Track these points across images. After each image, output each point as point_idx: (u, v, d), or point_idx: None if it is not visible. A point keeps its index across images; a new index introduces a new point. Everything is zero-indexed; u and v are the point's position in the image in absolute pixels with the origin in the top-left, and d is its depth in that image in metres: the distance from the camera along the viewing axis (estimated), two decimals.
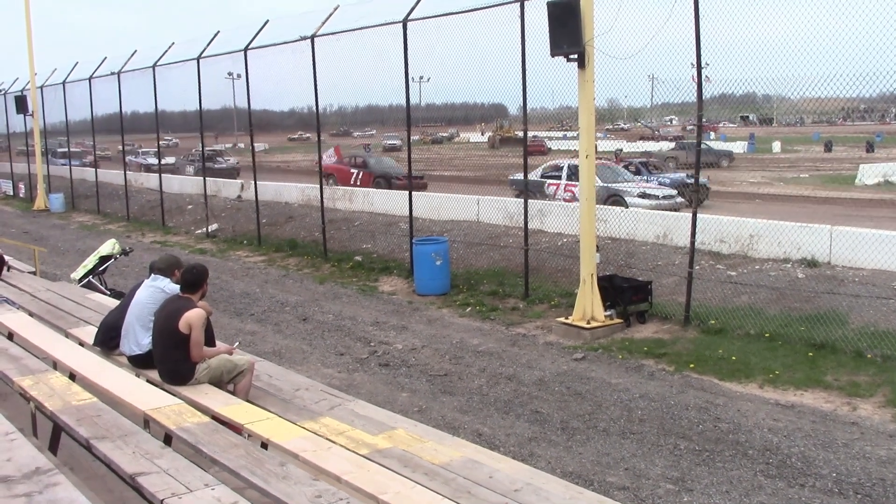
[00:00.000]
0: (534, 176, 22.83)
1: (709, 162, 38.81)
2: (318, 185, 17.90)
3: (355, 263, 16.03)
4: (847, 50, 9.36)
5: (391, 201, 19.62)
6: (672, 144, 40.09)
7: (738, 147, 52.58)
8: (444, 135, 62.32)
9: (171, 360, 6.58)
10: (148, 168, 35.48)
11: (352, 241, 17.95)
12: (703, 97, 10.66)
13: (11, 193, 35.62)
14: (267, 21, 18.47)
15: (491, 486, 4.64)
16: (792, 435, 7.32)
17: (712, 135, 52.23)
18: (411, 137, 15.75)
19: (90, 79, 26.70)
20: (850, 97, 10.90)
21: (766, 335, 9.96)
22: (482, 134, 59.86)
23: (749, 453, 6.97)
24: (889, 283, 11.26)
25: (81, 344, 7.96)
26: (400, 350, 10.47)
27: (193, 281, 6.77)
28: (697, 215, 11.10)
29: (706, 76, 10.64)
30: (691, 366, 9.27)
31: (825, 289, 11.20)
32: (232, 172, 35.07)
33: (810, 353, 9.30)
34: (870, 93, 10.23)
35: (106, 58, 26.31)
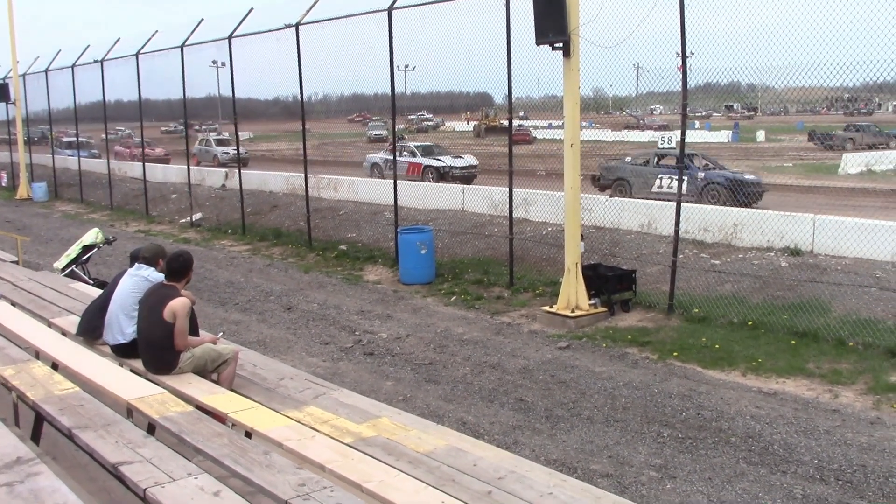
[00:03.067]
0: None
1: (877, 143, 38.82)
2: (303, 174, 17.83)
3: (340, 252, 16.00)
4: (830, 39, 9.42)
5: (375, 190, 19.61)
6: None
7: (723, 136, 52.80)
8: (430, 123, 62.29)
9: (155, 348, 6.55)
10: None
11: (337, 230, 17.90)
12: (688, 86, 10.69)
13: None
14: (251, 9, 18.36)
15: (475, 474, 4.65)
16: (774, 422, 7.38)
17: (696, 124, 52.39)
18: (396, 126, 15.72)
19: (73, 67, 26.50)
20: (833, 86, 10.95)
21: (749, 323, 10.03)
22: (467, 123, 59.83)
23: (732, 440, 7.02)
24: (871, 272, 11.34)
25: (64, 333, 7.91)
26: (385, 339, 10.46)
27: (179, 269, 6.74)
28: (682, 204, 11.14)
29: (690, 65, 10.67)
30: (675, 354, 9.32)
31: (808, 277, 11.27)
32: None
33: (793, 342, 9.37)
34: (853, 82, 10.30)
35: (89, 45, 26.12)
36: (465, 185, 19.68)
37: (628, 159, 23.35)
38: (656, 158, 22.18)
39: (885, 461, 6.51)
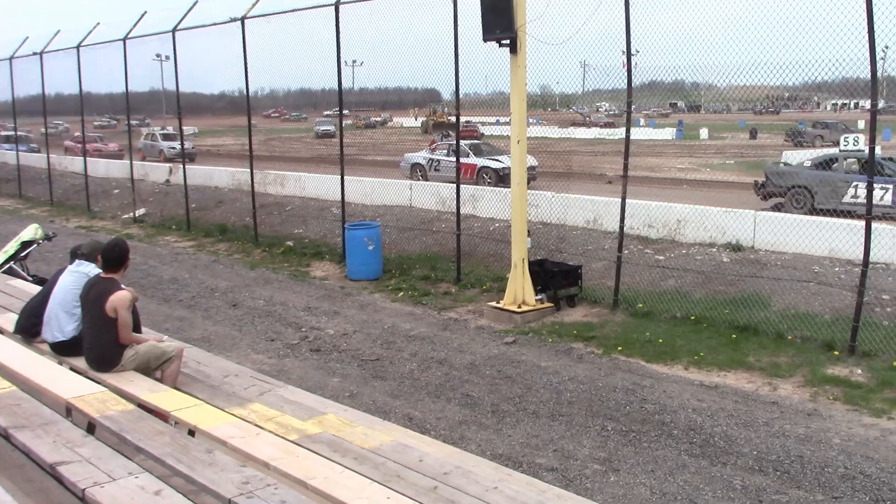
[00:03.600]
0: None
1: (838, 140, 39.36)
2: (249, 169, 17.64)
3: (287, 248, 15.88)
4: (772, 39, 9.62)
5: (322, 186, 19.48)
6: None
7: (667, 133, 53.64)
8: (378, 119, 62.24)
9: (99, 343, 6.43)
10: None
11: (283, 225, 17.77)
12: (633, 84, 10.82)
13: None
14: (196, 1, 18.08)
15: (421, 470, 4.65)
16: (715, 415, 7.52)
17: (641, 121, 53.11)
18: (344, 122, 15.65)
19: (11, 59, 25.83)
20: (774, 85, 11.17)
21: (692, 318, 10.20)
22: (416, 119, 59.78)
23: (674, 433, 7.13)
24: (809, 267, 11.61)
25: (1, 332, 7.72)
26: (331, 335, 10.41)
27: (115, 259, 6.61)
28: (626, 200, 11.28)
29: (635, 63, 10.80)
30: (619, 348, 9.44)
31: (749, 272, 11.51)
32: None
33: (734, 336, 9.55)
34: (793, 81, 10.51)
35: (28, 37, 25.49)
36: (412, 182, 19.58)
37: (808, 163, 19.97)
38: (847, 163, 18.67)
39: (821, 452, 6.68)
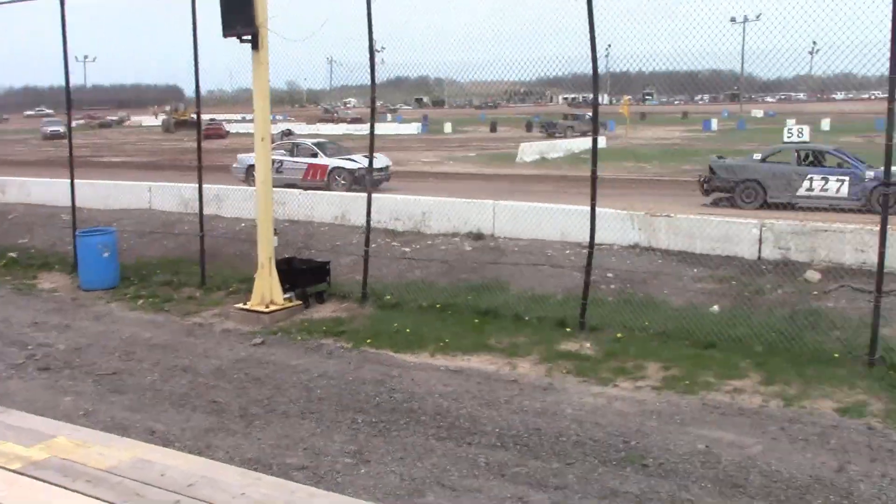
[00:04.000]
0: None
1: (588, 130, 40.78)
2: None
3: (10, 260, 14.56)
4: (509, 38, 10.19)
5: (51, 192, 18.12)
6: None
7: (413, 128, 55.16)
8: (114, 118, 59.11)
9: None
10: None
11: (6, 236, 16.28)
12: (380, 80, 10.99)
13: None
14: None
15: (162, 485, 4.49)
16: (460, 398, 7.80)
17: (388, 116, 54.20)
18: (73, 122, 14.61)
19: None
20: (511, 80, 11.81)
21: (438, 306, 10.54)
22: (156, 117, 57.56)
23: (422, 419, 7.32)
24: (544, 251, 12.39)
25: None
26: (62, 351, 9.68)
27: None
28: (373, 195, 11.45)
29: (381, 59, 10.97)
30: (368, 341, 9.55)
31: (489, 259, 12.09)
32: None
33: (476, 320, 9.98)
34: (528, 77, 11.17)
35: None
36: (151, 183, 18.63)
37: (757, 156, 19.67)
38: (799, 155, 18.75)
39: (555, 423, 7.14)
